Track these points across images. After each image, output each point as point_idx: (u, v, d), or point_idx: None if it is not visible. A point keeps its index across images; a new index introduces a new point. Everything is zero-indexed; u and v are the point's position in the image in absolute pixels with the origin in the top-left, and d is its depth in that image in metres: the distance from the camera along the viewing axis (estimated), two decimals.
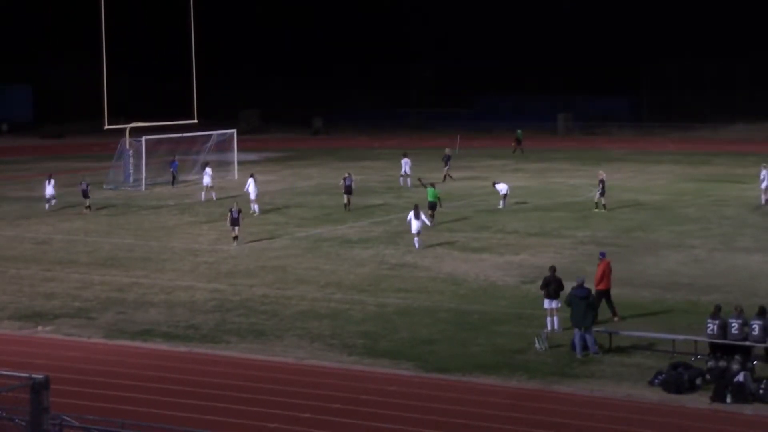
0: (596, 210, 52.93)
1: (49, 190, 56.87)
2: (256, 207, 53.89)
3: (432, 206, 48.62)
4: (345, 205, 54.75)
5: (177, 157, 68.71)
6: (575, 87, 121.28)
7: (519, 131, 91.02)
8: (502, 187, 55.10)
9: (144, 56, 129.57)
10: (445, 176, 66.29)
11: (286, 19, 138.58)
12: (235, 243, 44.81)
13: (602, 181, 53.41)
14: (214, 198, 59.24)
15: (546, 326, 30.34)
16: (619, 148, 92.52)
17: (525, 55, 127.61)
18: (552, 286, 30.56)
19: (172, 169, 66.90)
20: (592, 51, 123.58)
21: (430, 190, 49.62)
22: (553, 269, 31.25)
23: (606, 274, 31.55)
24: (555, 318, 30.49)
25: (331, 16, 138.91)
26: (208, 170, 61.18)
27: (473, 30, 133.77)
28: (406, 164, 66.07)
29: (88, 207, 55.83)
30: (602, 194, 53.35)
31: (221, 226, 49.40)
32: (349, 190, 55.00)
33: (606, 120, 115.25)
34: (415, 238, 43.77)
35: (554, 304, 30.48)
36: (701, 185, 64.04)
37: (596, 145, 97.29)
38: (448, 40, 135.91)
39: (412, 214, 44.12)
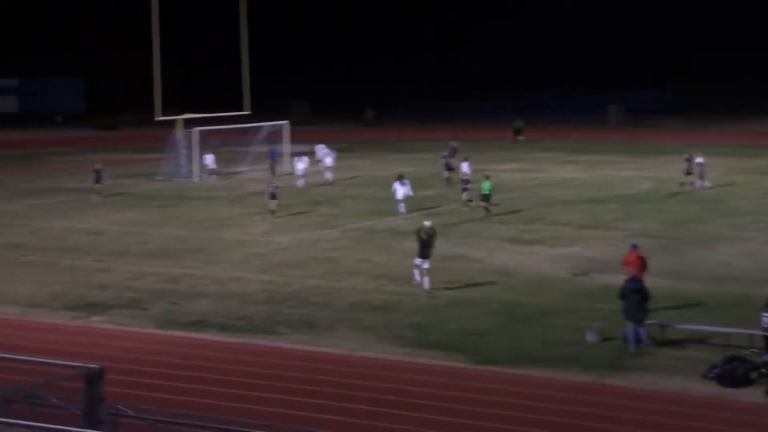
0: (465, 208, 51.70)
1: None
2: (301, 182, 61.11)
3: (485, 198, 49.64)
4: (446, 179, 59.52)
5: (272, 147, 69.53)
6: (626, 79, 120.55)
7: (519, 121, 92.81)
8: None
9: (196, 48, 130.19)
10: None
11: (337, 10, 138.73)
12: (272, 216, 49.51)
13: (467, 180, 53.27)
14: (330, 177, 63.38)
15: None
16: (670, 141, 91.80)
17: (575, 46, 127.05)
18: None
19: (270, 159, 67.28)
20: (644, 42, 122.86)
21: (485, 183, 50.04)
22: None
23: (632, 264, 31.16)
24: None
25: (383, 7, 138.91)
26: (326, 149, 65.15)
27: (524, 21, 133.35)
28: (320, 150, 67.56)
29: (98, 193, 57.48)
30: (466, 190, 52.58)
31: (272, 218, 49.63)
32: (449, 167, 61.09)
33: (657, 112, 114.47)
34: (401, 204, 49.71)
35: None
36: (753, 178, 63.45)
37: (647, 138, 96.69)
38: (498, 32, 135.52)
39: (397, 183, 50.20)
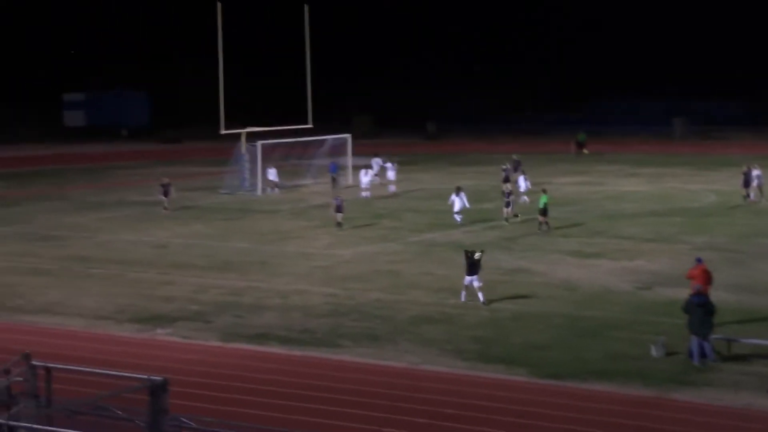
0: (517, 219, 51.86)
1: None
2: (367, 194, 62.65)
3: (542, 212, 49.19)
4: (502, 192, 56.30)
5: (333, 159, 69.85)
6: (691, 90, 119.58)
7: (581, 134, 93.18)
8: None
9: (260, 61, 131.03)
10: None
11: (399, 24, 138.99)
12: (338, 229, 50.19)
13: (509, 194, 52.71)
14: (393, 190, 64.36)
15: None
16: (736, 153, 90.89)
17: (640, 59, 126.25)
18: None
19: (331, 172, 67.57)
20: (709, 53, 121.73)
21: (542, 197, 49.62)
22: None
23: (697, 278, 30.86)
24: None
25: (445, 21, 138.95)
26: (388, 163, 66.51)
27: (588, 33, 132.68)
28: (376, 164, 67.93)
29: (166, 207, 57.99)
30: (507, 205, 52.33)
31: (337, 230, 49.80)
32: (507, 180, 60.58)
33: (723, 124, 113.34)
34: (456, 215, 51.12)
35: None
36: None
37: (713, 150, 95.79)
38: (563, 44, 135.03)
39: (454, 195, 51.66)
